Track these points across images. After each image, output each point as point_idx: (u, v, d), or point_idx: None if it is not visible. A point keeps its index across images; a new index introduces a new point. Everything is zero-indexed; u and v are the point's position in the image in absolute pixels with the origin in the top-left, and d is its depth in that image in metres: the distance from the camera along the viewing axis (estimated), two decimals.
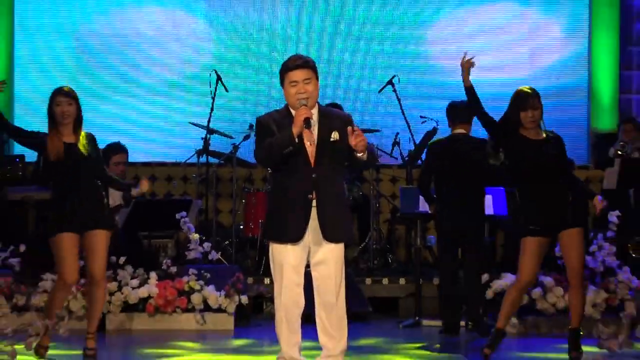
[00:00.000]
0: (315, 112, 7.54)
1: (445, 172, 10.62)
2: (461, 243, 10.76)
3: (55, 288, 9.19)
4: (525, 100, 8.91)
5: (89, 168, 9.05)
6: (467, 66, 9.25)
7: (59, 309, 9.30)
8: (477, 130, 10.37)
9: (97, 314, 9.25)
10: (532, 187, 8.97)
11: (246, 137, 13.32)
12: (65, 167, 8.95)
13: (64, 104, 9.00)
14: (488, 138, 9.46)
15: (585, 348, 8.78)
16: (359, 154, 7.43)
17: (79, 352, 9.24)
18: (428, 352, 9.92)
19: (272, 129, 7.48)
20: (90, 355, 9.13)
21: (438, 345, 10.31)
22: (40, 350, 8.89)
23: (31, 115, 15.41)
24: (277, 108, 7.69)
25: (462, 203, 10.46)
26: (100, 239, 9.02)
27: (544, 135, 8.98)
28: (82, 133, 9.09)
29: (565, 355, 8.93)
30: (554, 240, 9.09)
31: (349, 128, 7.38)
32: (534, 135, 8.94)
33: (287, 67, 7.52)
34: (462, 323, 10.88)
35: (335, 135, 7.50)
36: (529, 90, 8.98)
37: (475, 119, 9.74)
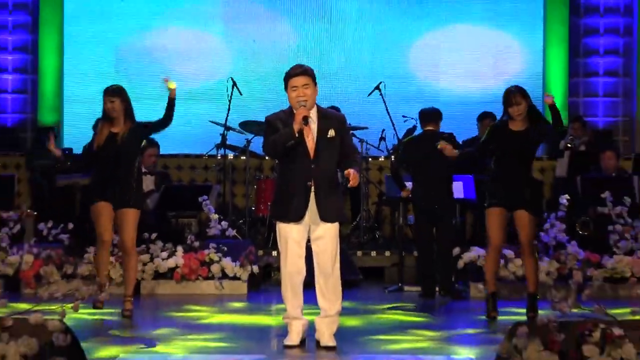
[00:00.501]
0: (314, 112, 7.56)
1: (419, 162, 10.72)
2: (434, 221, 10.81)
3: (97, 248, 9.26)
4: (508, 99, 8.96)
5: (124, 154, 9.04)
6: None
7: (105, 269, 9.30)
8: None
9: (131, 280, 9.29)
10: (500, 167, 8.99)
11: (257, 133, 13.29)
12: (103, 154, 8.98)
13: (107, 102, 9.05)
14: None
15: (540, 311, 8.78)
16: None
17: (118, 310, 9.25)
18: (409, 312, 9.90)
19: (278, 126, 7.51)
20: (127, 315, 9.14)
21: (416, 306, 10.30)
22: (97, 304, 8.97)
23: (78, 115, 15.41)
24: (283, 109, 7.68)
25: (433, 187, 10.56)
26: (129, 216, 9.06)
27: (525, 126, 8.95)
28: (130, 124, 9.06)
29: (524, 316, 8.93)
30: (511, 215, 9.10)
31: (350, 171, 7.40)
32: (517, 127, 8.91)
33: (289, 75, 7.57)
34: (437, 289, 10.90)
35: (331, 133, 7.55)
36: (511, 88, 9.03)
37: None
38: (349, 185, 7.48)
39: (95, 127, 9.40)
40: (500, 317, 9.10)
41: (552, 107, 9.05)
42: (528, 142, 9.01)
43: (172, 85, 9.38)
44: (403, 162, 11.05)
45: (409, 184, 11.07)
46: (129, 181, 9.09)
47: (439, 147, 9.38)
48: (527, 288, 9.17)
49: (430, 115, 10.96)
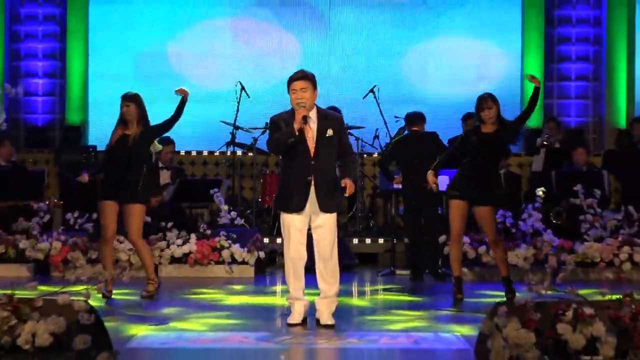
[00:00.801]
0: (314, 113, 7.55)
1: (407, 159, 10.76)
2: (421, 212, 10.81)
3: (101, 243, 9.24)
4: (480, 104, 8.95)
5: (133, 155, 9.01)
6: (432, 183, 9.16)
7: (109, 260, 9.20)
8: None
9: (147, 266, 9.22)
10: (470, 165, 8.98)
11: (263, 132, 13.29)
12: (116, 153, 8.96)
13: (124, 106, 9.03)
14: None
15: (518, 292, 8.77)
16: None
17: (138, 292, 9.25)
18: (400, 293, 9.90)
19: (281, 125, 7.52)
20: (145, 296, 9.12)
21: (404, 287, 10.30)
22: (105, 294, 8.93)
23: (102, 116, 15.38)
24: (286, 110, 7.67)
25: (420, 181, 10.48)
26: (133, 211, 9.02)
27: (494, 128, 8.94)
28: (142, 127, 9.03)
29: (503, 297, 8.92)
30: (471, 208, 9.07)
31: (346, 182, 7.44)
32: (487, 130, 8.91)
33: (290, 79, 7.59)
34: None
35: (330, 132, 7.53)
36: (484, 95, 9.03)
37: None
38: (345, 195, 7.51)
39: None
40: (483, 300, 9.07)
41: (537, 89, 9.03)
42: (499, 143, 9.00)
43: (186, 91, 9.34)
44: (392, 159, 11.06)
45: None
46: (137, 180, 9.06)
47: (428, 178, 9.28)
48: (501, 273, 9.15)
49: (415, 118, 11.03)
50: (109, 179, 9.07)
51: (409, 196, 10.82)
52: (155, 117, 9.31)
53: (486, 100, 8.95)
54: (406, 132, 11.34)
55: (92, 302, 5.76)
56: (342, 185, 7.48)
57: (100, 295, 8.71)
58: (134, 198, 9.00)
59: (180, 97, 9.34)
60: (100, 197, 9.12)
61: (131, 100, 9.05)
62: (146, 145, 9.20)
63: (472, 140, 8.97)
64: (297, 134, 7.41)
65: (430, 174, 9.04)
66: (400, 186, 11.03)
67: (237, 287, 10.19)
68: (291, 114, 7.52)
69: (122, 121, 9.07)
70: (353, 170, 7.80)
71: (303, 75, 7.57)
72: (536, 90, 9.05)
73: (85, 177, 9.27)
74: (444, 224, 10.20)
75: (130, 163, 9.00)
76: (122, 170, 8.99)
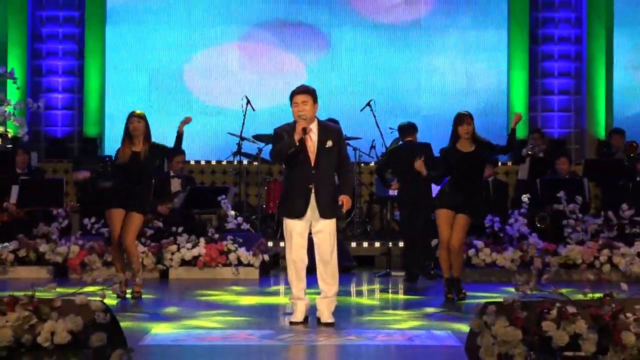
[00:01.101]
0: (315, 125, 7.55)
1: (402, 167, 10.62)
2: (416, 217, 10.73)
3: (112, 248, 9.27)
4: (461, 119, 8.96)
5: (144, 169, 9.01)
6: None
7: (120, 264, 9.17)
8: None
9: (137, 268, 9.10)
10: (455, 181, 8.97)
11: (267, 143, 13.29)
12: (128, 168, 8.96)
13: (134, 122, 9.02)
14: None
15: (508, 290, 8.74)
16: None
17: (151, 296, 9.20)
18: (395, 294, 9.87)
19: (283, 136, 7.52)
20: (136, 297, 9.05)
21: (400, 288, 10.27)
22: (120, 295, 8.93)
23: (118, 129, 15.36)
24: (289, 122, 7.65)
25: (414, 188, 10.46)
26: (133, 219, 9.01)
27: (473, 147, 8.94)
28: (150, 144, 9.03)
29: (494, 295, 8.87)
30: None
31: (342, 198, 7.50)
32: (465, 148, 8.90)
33: (292, 93, 7.60)
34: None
35: (329, 143, 7.53)
36: (464, 112, 9.05)
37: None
38: (342, 210, 7.53)
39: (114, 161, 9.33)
40: (473, 300, 9.02)
41: (514, 130, 9.08)
42: (478, 161, 8.99)
43: (188, 121, 9.27)
44: (387, 168, 11.00)
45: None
46: (147, 193, 9.13)
47: (415, 166, 9.32)
48: (453, 272, 9.11)
49: (408, 129, 10.88)
50: (119, 190, 9.06)
51: (404, 202, 10.76)
52: (168, 129, 9.31)
53: (466, 116, 9.00)
54: (400, 142, 11.30)
55: (107, 302, 5.73)
56: (340, 202, 7.49)
57: (115, 296, 8.68)
58: (140, 208, 9.02)
59: (180, 128, 9.28)
60: (107, 205, 9.11)
61: (141, 118, 9.08)
62: (154, 161, 9.21)
63: (453, 159, 8.96)
64: (297, 144, 7.40)
65: (419, 163, 9.09)
66: (396, 192, 10.99)
67: (243, 288, 10.17)
68: (293, 125, 7.50)
69: (129, 136, 9.05)
70: (350, 185, 7.78)
71: (304, 90, 7.57)
72: (514, 130, 9.07)
73: (83, 174, 9.30)
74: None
75: (141, 177, 9.03)
76: (132, 184, 9.00)
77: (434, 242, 10.79)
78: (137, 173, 9.00)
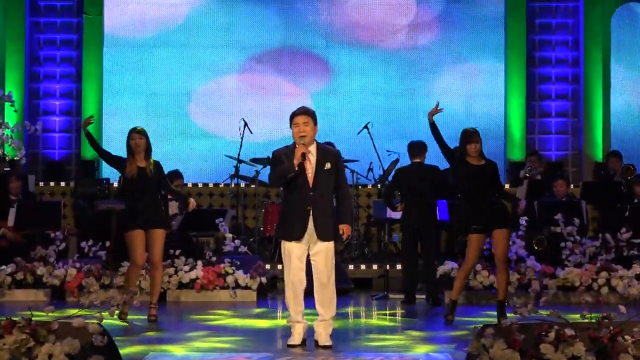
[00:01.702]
0: (314, 147, 7.57)
1: (408, 188, 10.61)
2: (419, 238, 10.71)
3: (130, 269, 9.25)
4: (470, 136, 8.95)
5: (153, 185, 9.04)
6: (433, 112, 9.14)
7: (133, 285, 9.23)
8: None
9: (157, 290, 9.23)
10: (472, 198, 8.93)
11: (264, 166, 13.32)
12: (137, 184, 8.97)
13: (136, 138, 9.03)
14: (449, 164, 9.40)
15: (506, 314, 8.74)
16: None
17: (145, 317, 9.19)
18: (393, 316, 9.86)
19: (282, 159, 7.53)
20: (152, 320, 9.07)
21: (401, 311, 10.26)
22: (122, 316, 8.89)
23: (115, 151, 15.37)
24: (287, 145, 7.68)
25: (420, 209, 10.45)
26: (158, 235, 9.04)
27: (483, 162, 8.96)
28: (152, 160, 9.09)
29: (490, 319, 8.88)
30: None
31: (342, 227, 7.59)
32: (475, 162, 8.92)
33: (293, 114, 7.62)
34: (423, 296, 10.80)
35: (328, 166, 7.54)
36: (472, 130, 9.01)
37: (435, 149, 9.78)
38: (342, 238, 7.60)
39: (119, 158, 9.26)
40: (472, 321, 9.02)
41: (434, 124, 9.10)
42: (490, 173, 8.99)
43: (192, 206, 9.43)
44: (395, 187, 10.91)
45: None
46: (158, 205, 9.12)
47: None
48: (498, 296, 9.09)
49: (417, 149, 10.79)
50: (132, 209, 9.05)
51: (409, 224, 10.69)
52: (166, 151, 9.34)
53: (474, 134, 8.97)
54: (400, 163, 11.25)
55: (106, 324, 5.72)
56: (340, 231, 7.52)
57: (113, 318, 8.64)
58: (159, 223, 9.04)
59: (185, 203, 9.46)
60: (125, 228, 9.08)
61: (142, 134, 9.08)
62: (159, 177, 9.18)
63: (466, 173, 8.92)
64: (296, 169, 7.43)
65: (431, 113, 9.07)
66: (399, 215, 10.94)
67: (241, 311, 10.15)
68: (292, 148, 7.52)
69: (131, 153, 9.06)
70: (350, 212, 7.81)
71: (305, 111, 7.61)
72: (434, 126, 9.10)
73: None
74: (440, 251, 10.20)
75: (149, 192, 9.04)
76: (143, 199, 8.99)
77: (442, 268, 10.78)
78: (146, 188, 9.00)
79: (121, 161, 9.10)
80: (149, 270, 9.32)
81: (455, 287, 9.13)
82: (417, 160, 10.79)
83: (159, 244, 9.07)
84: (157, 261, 9.11)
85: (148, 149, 9.09)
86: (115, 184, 13.76)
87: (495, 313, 9.06)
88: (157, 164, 9.17)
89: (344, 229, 7.56)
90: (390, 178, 13.58)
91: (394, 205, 10.86)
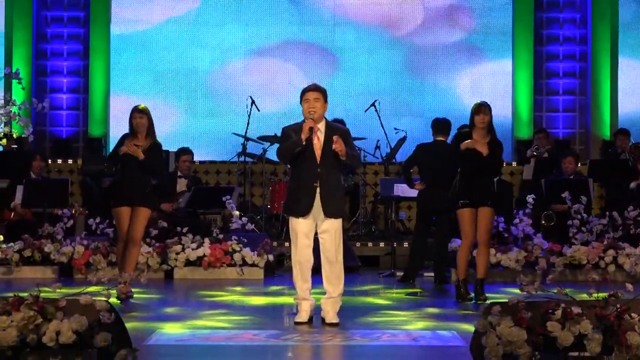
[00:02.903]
0: (322, 125, 7.57)
1: (427, 165, 10.50)
2: (433, 215, 10.63)
3: (118, 246, 9.21)
4: (478, 108, 8.94)
5: (141, 166, 8.93)
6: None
7: (126, 263, 9.08)
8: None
9: (130, 267, 8.94)
10: (469, 177, 8.92)
11: (272, 143, 13.32)
12: (126, 162, 8.90)
13: (137, 117, 8.98)
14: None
15: (513, 291, 8.71)
16: (341, 158, 7.46)
17: (156, 296, 9.20)
18: (400, 294, 9.87)
19: (291, 134, 7.56)
20: (122, 298, 8.55)
21: (404, 288, 10.27)
22: (120, 296, 8.52)
23: (122, 129, 15.39)
24: (297, 121, 7.68)
25: (437, 188, 10.26)
26: (140, 213, 8.97)
27: (488, 138, 8.90)
28: (153, 142, 8.98)
29: (499, 295, 8.87)
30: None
31: (334, 137, 7.42)
32: (480, 138, 8.86)
33: (304, 90, 7.65)
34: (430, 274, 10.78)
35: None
36: (481, 102, 9.05)
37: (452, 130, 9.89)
38: (333, 147, 7.41)
39: (121, 140, 9.21)
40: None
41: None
42: (492, 162, 8.93)
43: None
44: (414, 163, 10.77)
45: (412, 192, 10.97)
46: (145, 185, 9.05)
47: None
48: (477, 274, 9.02)
49: (441, 127, 10.63)
50: (121, 186, 9.04)
51: (425, 202, 10.61)
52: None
53: (483, 106, 8.94)
54: (408, 141, 11.14)
55: (112, 302, 5.73)
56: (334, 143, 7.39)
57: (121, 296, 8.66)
58: (144, 202, 8.97)
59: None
60: (113, 204, 9.07)
61: (144, 112, 9.00)
62: (151, 159, 9.01)
63: (467, 156, 8.88)
64: (304, 143, 7.42)
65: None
66: (411, 193, 10.88)
67: (248, 288, 10.16)
68: (301, 125, 7.53)
69: (133, 132, 9.01)
70: (353, 155, 7.68)
71: (316, 87, 7.62)
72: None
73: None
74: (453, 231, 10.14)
75: (138, 171, 8.95)
76: (132, 177, 8.95)
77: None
78: (134, 166, 8.91)
79: (119, 151, 9.05)
80: (127, 246, 9.05)
81: (460, 266, 9.06)
82: (440, 138, 10.63)
83: (140, 221, 8.98)
84: (136, 238, 8.99)
85: (150, 128, 9.01)
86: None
87: (501, 293, 9.04)
88: (153, 146, 9.00)
89: (337, 140, 7.39)
90: (397, 156, 13.59)
91: (412, 182, 10.76)
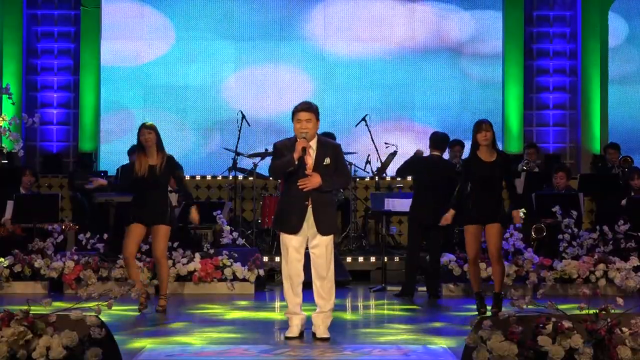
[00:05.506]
0: (314, 142, 7.58)
1: (422, 179, 10.53)
2: (427, 230, 10.63)
3: (124, 260, 9.48)
4: (479, 126, 9.00)
5: (161, 182, 9.16)
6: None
7: (133, 276, 9.34)
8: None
9: (164, 283, 9.39)
10: (476, 191, 8.95)
11: (262, 158, 13.33)
12: (144, 181, 9.05)
13: (145, 134, 9.13)
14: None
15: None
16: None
17: (147, 310, 9.18)
18: (390, 308, 9.86)
19: (283, 152, 7.54)
20: (160, 310, 9.22)
21: (395, 302, 10.25)
22: (140, 307, 9.14)
23: (113, 144, 15.42)
24: (289, 137, 7.70)
25: (432, 202, 10.28)
26: (160, 231, 9.18)
27: (495, 156, 8.95)
28: (166, 157, 9.18)
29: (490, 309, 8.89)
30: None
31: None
32: (486, 157, 8.90)
33: (296, 109, 7.61)
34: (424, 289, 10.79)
35: (327, 161, 7.56)
36: (482, 119, 9.11)
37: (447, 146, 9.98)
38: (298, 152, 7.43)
39: (130, 152, 9.44)
40: (469, 314, 9.03)
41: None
42: (499, 170, 8.98)
43: (195, 219, 9.61)
44: (409, 173, 10.88)
45: (405, 200, 10.96)
46: (165, 203, 9.21)
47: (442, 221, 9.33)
48: (494, 288, 9.11)
49: (437, 142, 10.65)
50: (138, 204, 9.18)
51: (417, 216, 10.63)
52: (163, 144, 9.34)
53: (485, 123, 9.02)
54: (398, 155, 11.17)
55: (102, 317, 5.72)
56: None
57: (109, 311, 8.63)
58: (164, 220, 9.15)
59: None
60: (129, 220, 9.22)
61: (151, 129, 9.17)
62: (169, 175, 9.31)
63: (474, 167, 8.94)
64: (296, 162, 7.42)
65: (447, 216, 9.07)
66: (402, 207, 10.88)
67: (239, 303, 10.15)
68: (293, 141, 7.53)
69: (142, 149, 9.14)
70: (333, 181, 7.63)
71: (308, 107, 7.59)
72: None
73: (100, 181, 9.50)
74: (447, 246, 10.16)
75: (158, 190, 9.17)
76: (151, 197, 9.13)
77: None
78: (154, 186, 9.11)
79: (130, 168, 9.28)
80: (155, 266, 9.55)
81: (471, 281, 9.25)
82: (436, 153, 10.67)
83: (161, 240, 9.20)
84: (159, 256, 9.26)
85: (159, 143, 9.18)
86: (112, 178, 13.71)
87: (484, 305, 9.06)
88: (169, 159, 9.25)
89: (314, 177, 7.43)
90: (388, 171, 13.59)
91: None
